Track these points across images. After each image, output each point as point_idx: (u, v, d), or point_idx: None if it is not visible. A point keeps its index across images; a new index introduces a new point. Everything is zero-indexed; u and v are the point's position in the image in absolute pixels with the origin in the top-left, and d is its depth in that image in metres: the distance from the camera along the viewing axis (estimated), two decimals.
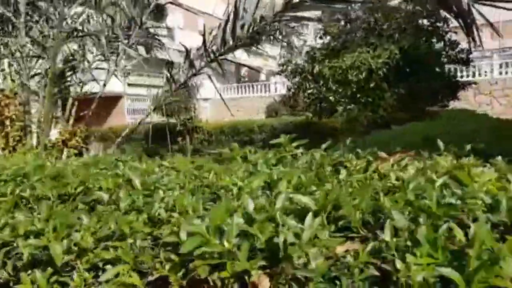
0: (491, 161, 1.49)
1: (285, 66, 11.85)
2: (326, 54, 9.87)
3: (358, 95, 9.03)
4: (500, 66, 18.67)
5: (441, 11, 7.75)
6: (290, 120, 14.67)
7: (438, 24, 9.58)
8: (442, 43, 9.63)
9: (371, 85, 8.71)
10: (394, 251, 0.86)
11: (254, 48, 4.08)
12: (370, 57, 8.42)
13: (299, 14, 3.54)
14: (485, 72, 18.84)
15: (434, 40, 9.07)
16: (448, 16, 9.36)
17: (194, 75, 4.25)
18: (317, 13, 8.01)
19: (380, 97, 8.52)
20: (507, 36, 31.34)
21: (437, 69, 8.95)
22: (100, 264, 1.09)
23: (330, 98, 9.49)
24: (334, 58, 9.38)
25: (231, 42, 3.75)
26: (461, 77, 19.09)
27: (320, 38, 11.03)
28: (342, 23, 10.23)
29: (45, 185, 1.55)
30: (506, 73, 18.49)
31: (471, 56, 11.51)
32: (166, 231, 1.10)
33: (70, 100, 5.40)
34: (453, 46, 10.11)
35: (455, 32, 9.72)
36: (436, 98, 9.50)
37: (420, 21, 8.92)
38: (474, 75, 19.03)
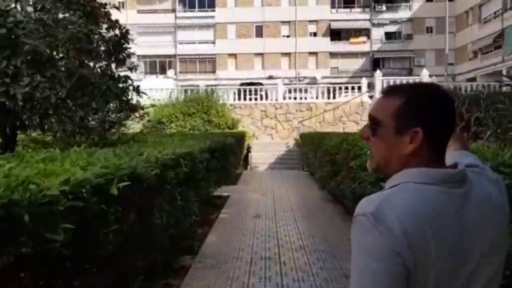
0: None
1: None
2: None
3: None
4: (284, 92, 18.66)
5: None
6: None
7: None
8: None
9: None
10: None
11: None
12: None
13: None
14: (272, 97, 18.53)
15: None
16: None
17: None
18: None
19: None
20: (302, 65, 34.57)
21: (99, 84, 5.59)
22: None
23: None
24: None
25: None
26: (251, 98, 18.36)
27: None
28: None
29: None
30: (290, 98, 18.50)
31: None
32: None
33: None
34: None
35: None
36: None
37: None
38: (261, 98, 18.54)
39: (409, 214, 0.79)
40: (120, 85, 4.55)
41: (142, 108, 5.14)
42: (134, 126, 5.46)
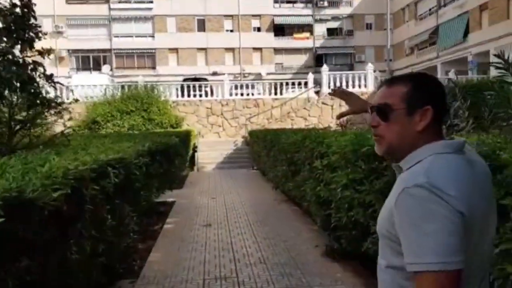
0: None
1: None
2: None
3: None
4: (231, 88, 17.93)
5: None
6: None
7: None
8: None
9: None
10: None
11: None
12: None
13: None
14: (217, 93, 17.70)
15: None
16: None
17: None
18: None
19: None
20: (246, 61, 34.12)
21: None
22: None
23: None
24: None
25: None
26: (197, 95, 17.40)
27: None
28: None
29: None
30: (236, 94, 17.81)
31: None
32: None
33: None
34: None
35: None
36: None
37: None
38: (206, 95, 17.66)
39: (455, 177, 0.91)
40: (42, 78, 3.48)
41: (59, 104, 4.10)
42: (50, 125, 4.43)
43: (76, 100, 4.96)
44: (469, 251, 0.90)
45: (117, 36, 33.64)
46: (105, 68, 32.26)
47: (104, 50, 33.94)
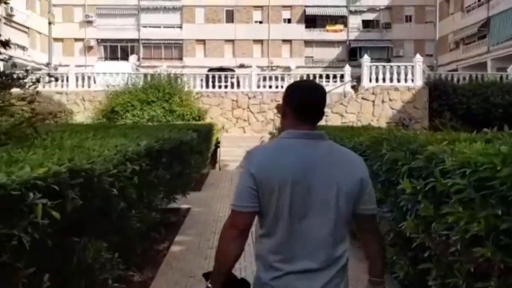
0: None
1: None
2: None
3: None
4: (258, 80, 16.42)
5: None
6: None
7: None
8: None
9: None
10: None
11: None
12: None
13: None
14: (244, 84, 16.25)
15: None
16: None
17: None
18: None
19: None
20: (275, 54, 32.50)
21: None
22: None
23: None
24: None
25: None
26: (221, 86, 16.07)
27: None
28: None
29: None
30: (264, 86, 16.31)
31: None
32: None
33: None
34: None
35: None
36: None
37: None
38: (232, 86, 16.28)
39: (264, 152, 1.48)
40: None
41: (14, 79, 2.79)
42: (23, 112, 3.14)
43: (50, 76, 3.66)
44: (275, 206, 1.40)
45: (145, 26, 32.86)
46: (132, 58, 31.51)
47: (132, 40, 33.25)
